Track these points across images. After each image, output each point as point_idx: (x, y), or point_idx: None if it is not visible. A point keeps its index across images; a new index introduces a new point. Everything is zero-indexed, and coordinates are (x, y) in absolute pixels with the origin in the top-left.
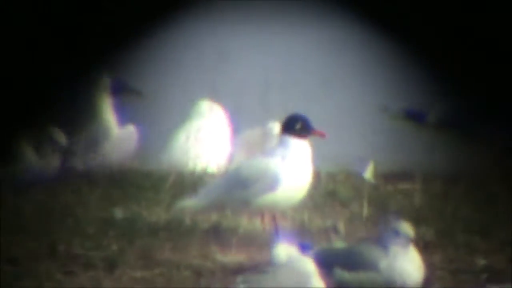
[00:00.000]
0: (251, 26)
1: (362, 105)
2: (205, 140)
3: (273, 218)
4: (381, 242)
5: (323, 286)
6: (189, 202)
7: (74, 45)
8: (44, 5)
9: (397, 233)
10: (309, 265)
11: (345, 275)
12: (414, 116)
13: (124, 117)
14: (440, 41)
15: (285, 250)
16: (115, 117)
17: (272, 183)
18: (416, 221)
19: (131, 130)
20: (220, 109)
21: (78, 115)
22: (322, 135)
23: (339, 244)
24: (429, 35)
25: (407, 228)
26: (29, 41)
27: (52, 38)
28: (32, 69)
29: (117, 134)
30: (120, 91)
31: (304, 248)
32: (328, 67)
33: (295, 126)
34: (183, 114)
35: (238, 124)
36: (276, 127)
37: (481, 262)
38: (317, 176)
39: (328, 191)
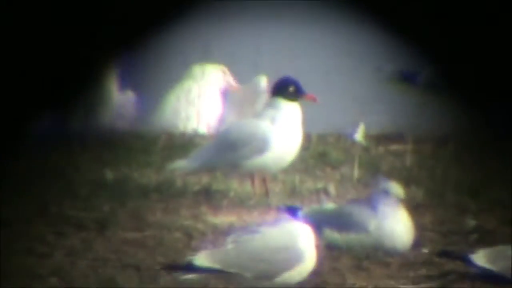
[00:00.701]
0: None
1: (353, 67)
2: (196, 102)
3: (264, 180)
4: (371, 203)
5: (312, 247)
6: (181, 164)
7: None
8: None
9: (386, 193)
10: (298, 226)
11: (335, 236)
12: (407, 78)
13: (123, 83)
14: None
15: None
16: (115, 83)
17: (261, 146)
18: (407, 182)
19: (129, 96)
20: (213, 69)
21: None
22: (313, 99)
23: (329, 205)
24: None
25: (397, 188)
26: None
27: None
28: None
29: (116, 99)
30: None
31: (293, 210)
32: (319, 30)
33: (287, 89)
34: (176, 77)
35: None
36: (264, 81)
37: (471, 223)
38: (307, 138)
39: (318, 153)
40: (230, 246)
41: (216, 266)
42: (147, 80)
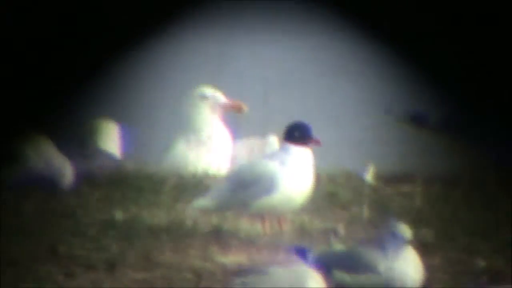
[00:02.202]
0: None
1: (364, 108)
2: (206, 142)
3: (279, 221)
4: (381, 244)
5: None
6: (196, 204)
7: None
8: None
9: (395, 234)
10: (306, 269)
11: (345, 278)
12: (416, 119)
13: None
14: (441, 45)
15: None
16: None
17: (269, 186)
18: (416, 223)
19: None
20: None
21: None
22: (317, 144)
23: (338, 246)
24: (430, 40)
25: (405, 229)
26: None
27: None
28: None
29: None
30: None
31: (302, 251)
32: (329, 70)
33: (293, 133)
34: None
35: (238, 128)
36: (275, 140)
37: (481, 264)
38: (317, 178)
39: (328, 193)
40: (238, 287)
41: None
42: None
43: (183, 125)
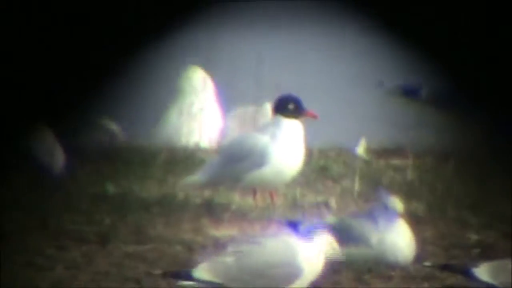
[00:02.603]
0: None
1: (354, 81)
2: (198, 115)
3: (271, 194)
4: (372, 217)
5: (312, 263)
6: (191, 179)
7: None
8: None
9: (386, 208)
10: (298, 241)
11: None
12: (408, 92)
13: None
14: (433, 18)
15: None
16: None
17: (260, 160)
18: (408, 197)
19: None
20: (211, 83)
21: None
22: (314, 117)
23: (330, 219)
24: (422, 12)
25: (396, 203)
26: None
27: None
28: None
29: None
30: None
31: (293, 224)
32: (321, 43)
33: (287, 106)
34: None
35: (230, 99)
36: (269, 108)
37: (472, 237)
38: (309, 152)
39: (320, 167)
40: (230, 258)
41: (216, 280)
42: (145, 88)
43: (175, 98)
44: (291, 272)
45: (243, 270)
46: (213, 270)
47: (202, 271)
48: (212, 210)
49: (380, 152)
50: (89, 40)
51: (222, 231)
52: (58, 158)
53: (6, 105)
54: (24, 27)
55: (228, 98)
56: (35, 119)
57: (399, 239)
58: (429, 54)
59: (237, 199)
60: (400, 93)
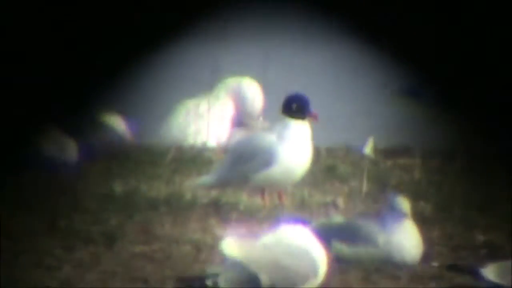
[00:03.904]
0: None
1: (362, 82)
2: (205, 115)
3: (279, 195)
4: (380, 217)
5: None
6: (201, 181)
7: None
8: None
9: (394, 208)
10: (313, 240)
11: (343, 249)
12: (413, 93)
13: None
14: (438, 18)
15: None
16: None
17: (267, 159)
18: (415, 197)
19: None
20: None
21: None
22: (315, 118)
23: (338, 218)
24: (428, 14)
25: (403, 203)
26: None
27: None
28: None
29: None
30: None
31: (301, 223)
32: (328, 44)
33: (290, 107)
34: (184, 92)
35: None
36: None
37: (480, 237)
38: (316, 152)
39: (327, 167)
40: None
41: (240, 257)
42: (153, 90)
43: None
44: (310, 270)
45: (267, 256)
46: (240, 248)
47: (230, 247)
48: (220, 209)
49: (387, 152)
50: (100, 39)
51: (229, 231)
52: (67, 157)
53: (15, 105)
54: (35, 26)
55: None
56: (44, 119)
57: (406, 239)
58: (435, 55)
59: (245, 199)
60: (404, 95)
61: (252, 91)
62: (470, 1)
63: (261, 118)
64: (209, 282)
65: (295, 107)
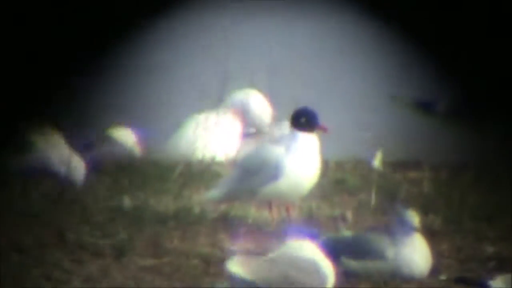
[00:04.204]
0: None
1: (371, 94)
2: (213, 129)
3: (287, 209)
4: (389, 230)
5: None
6: (207, 196)
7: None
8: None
9: (403, 221)
10: (320, 253)
11: (352, 263)
12: (423, 105)
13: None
14: (449, 31)
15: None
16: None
17: (274, 172)
18: (424, 210)
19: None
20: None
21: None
22: (325, 130)
23: (346, 232)
24: (438, 25)
25: (412, 216)
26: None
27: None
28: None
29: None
30: None
31: (310, 236)
32: (337, 56)
33: (299, 120)
34: (191, 106)
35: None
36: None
37: (489, 249)
38: (325, 164)
39: (336, 179)
40: (264, 258)
41: (247, 276)
42: (162, 104)
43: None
44: (317, 283)
45: (275, 270)
46: (245, 265)
47: (235, 266)
48: (228, 223)
49: (396, 165)
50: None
51: (238, 245)
52: (76, 171)
53: (23, 118)
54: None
55: None
56: (52, 132)
57: (415, 252)
58: (446, 67)
59: (253, 212)
60: (415, 107)
61: (259, 103)
62: (484, 7)
63: (273, 126)
64: None
65: (304, 120)
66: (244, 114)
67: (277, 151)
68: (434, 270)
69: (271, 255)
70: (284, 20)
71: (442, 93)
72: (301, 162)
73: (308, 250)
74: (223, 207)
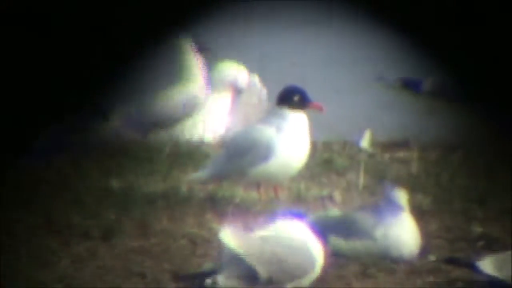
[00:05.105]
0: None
1: (358, 74)
2: (202, 109)
3: (275, 189)
4: (377, 210)
5: (320, 256)
6: (196, 175)
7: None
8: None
9: (391, 201)
10: (310, 234)
11: (340, 243)
12: (410, 85)
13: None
14: (437, 12)
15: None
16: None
17: (266, 153)
18: (413, 190)
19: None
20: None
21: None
22: (319, 108)
23: (335, 212)
24: (425, 7)
25: (401, 196)
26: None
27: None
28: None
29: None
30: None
31: (298, 216)
32: (326, 38)
33: (292, 98)
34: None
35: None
36: (257, 80)
37: (477, 230)
38: (313, 145)
39: (324, 160)
40: (257, 234)
41: (238, 248)
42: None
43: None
44: (308, 264)
45: (266, 250)
46: (239, 239)
47: (228, 236)
48: (216, 204)
49: (385, 145)
50: (100, 38)
51: (226, 224)
52: (62, 153)
53: (9, 101)
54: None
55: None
56: (39, 115)
57: (403, 232)
58: (433, 46)
59: (241, 193)
60: (401, 86)
61: (248, 79)
62: None
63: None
64: (208, 282)
65: (297, 98)
66: (233, 91)
67: (268, 132)
68: (423, 251)
69: (261, 232)
70: (273, 6)
71: (429, 74)
72: (292, 142)
73: (298, 229)
74: (211, 187)
